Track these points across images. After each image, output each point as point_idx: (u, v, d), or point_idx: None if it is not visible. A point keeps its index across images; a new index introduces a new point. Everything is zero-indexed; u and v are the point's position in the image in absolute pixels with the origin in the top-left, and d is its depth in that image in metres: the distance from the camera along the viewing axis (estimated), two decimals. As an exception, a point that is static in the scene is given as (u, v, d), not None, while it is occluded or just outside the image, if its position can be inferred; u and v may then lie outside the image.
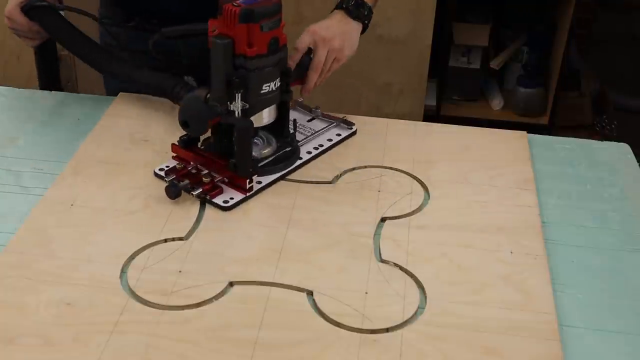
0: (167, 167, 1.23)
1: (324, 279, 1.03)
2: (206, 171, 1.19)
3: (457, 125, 1.42)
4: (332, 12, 1.34)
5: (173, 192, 1.16)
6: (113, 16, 1.59)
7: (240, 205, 1.17)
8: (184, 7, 1.46)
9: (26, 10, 1.35)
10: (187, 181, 1.17)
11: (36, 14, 1.36)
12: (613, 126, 2.97)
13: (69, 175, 1.21)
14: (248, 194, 1.18)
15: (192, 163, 1.21)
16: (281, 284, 1.02)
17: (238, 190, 1.18)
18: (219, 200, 1.16)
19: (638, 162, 1.33)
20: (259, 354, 0.91)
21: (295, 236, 1.11)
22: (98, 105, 1.42)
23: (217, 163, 1.20)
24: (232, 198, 1.17)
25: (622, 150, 1.36)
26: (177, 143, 1.23)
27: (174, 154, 1.24)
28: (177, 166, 1.21)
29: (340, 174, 1.26)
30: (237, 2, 1.12)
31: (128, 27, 1.58)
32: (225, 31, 1.13)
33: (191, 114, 1.16)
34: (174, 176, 1.19)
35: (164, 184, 1.18)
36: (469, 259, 1.07)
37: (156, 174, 1.22)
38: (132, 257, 1.06)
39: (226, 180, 1.19)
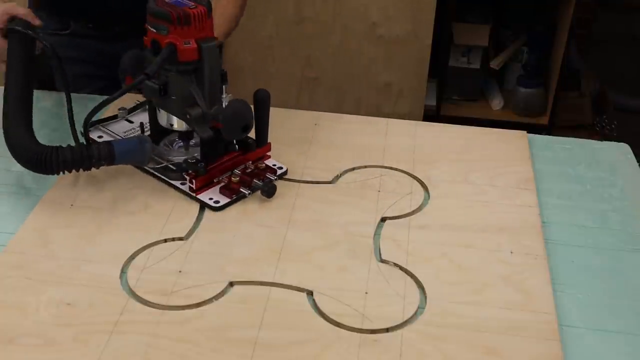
0: (212, 199, 1.16)
1: (324, 279, 1.03)
2: (242, 166, 1.22)
3: (457, 125, 1.42)
4: None
5: (273, 190, 1.18)
6: (45, 24, 1.52)
7: (240, 206, 1.17)
8: (118, 5, 1.45)
9: (5, 33, 1.26)
10: (255, 180, 1.19)
11: (11, 38, 1.25)
12: (613, 126, 2.98)
13: (69, 175, 1.21)
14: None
15: (221, 176, 1.20)
16: (281, 284, 1.02)
17: (266, 159, 1.25)
18: (278, 171, 1.24)
19: (638, 162, 1.33)
20: (259, 354, 0.91)
21: (295, 236, 1.11)
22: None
23: (237, 158, 1.22)
24: (274, 164, 1.25)
25: (622, 150, 1.36)
26: (200, 172, 1.17)
27: (198, 186, 1.18)
28: (233, 179, 1.18)
29: (340, 174, 1.26)
30: (172, 5, 1.10)
31: (63, 35, 1.55)
32: (200, 35, 1.10)
33: (248, 117, 1.15)
34: (240, 187, 1.18)
35: (163, 184, 1.20)
36: (469, 259, 1.07)
37: (216, 207, 1.15)
38: (132, 257, 1.06)
39: (251, 162, 1.23)
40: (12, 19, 1.26)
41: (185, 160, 1.19)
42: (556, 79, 2.75)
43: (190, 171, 1.17)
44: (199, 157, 1.19)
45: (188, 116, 1.13)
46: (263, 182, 1.18)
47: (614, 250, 1.12)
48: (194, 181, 1.17)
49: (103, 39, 1.56)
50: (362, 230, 1.12)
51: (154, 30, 1.11)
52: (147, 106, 1.28)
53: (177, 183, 1.19)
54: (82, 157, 1.12)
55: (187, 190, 1.18)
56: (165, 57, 1.09)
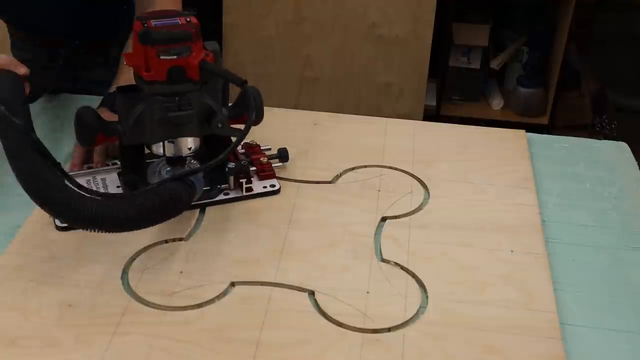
0: (266, 187, 1.20)
1: (325, 278, 1.03)
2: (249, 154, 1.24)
3: (457, 125, 1.43)
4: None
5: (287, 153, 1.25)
6: (34, 57, 1.51)
7: (241, 206, 1.17)
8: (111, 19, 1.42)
9: None
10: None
11: None
12: (613, 126, 2.97)
13: (70, 176, 1.21)
14: None
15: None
16: (283, 284, 1.02)
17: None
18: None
19: (637, 161, 1.33)
20: (261, 354, 0.91)
21: (295, 236, 1.11)
22: (97, 105, 1.42)
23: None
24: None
25: (620, 149, 1.37)
26: (246, 170, 1.19)
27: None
28: (262, 160, 1.22)
29: (340, 174, 1.26)
30: (153, 25, 1.04)
31: (59, 66, 1.50)
32: (201, 42, 1.08)
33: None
34: (271, 165, 1.22)
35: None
36: (469, 258, 1.08)
37: (277, 190, 1.20)
38: (133, 258, 1.06)
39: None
40: None
41: (223, 170, 1.17)
42: (556, 79, 2.75)
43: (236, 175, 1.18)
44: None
45: (220, 125, 1.09)
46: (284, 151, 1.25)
47: (614, 248, 1.12)
48: (252, 180, 1.19)
49: (99, 65, 1.53)
50: (362, 230, 1.13)
51: (173, 57, 1.03)
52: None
53: (220, 197, 1.18)
54: (190, 197, 1.07)
55: (240, 194, 1.18)
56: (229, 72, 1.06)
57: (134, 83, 1.08)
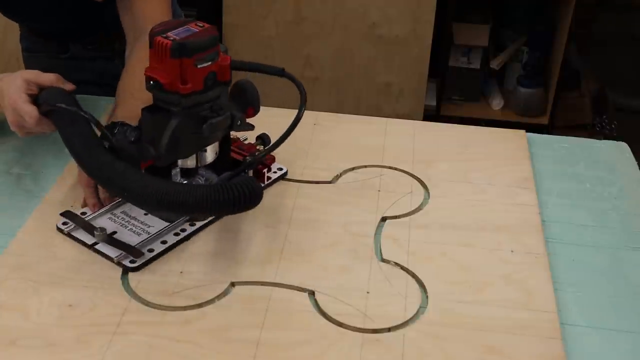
0: (276, 172, 1.22)
1: (326, 279, 1.03)
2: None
3: (457, 125, 1.43)
4: None
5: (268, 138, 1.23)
6: (44, 47, 1.55)
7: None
8: (116, 24, 1.38)
9: (45, 112, 1.10)
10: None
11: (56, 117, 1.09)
12: (613, 126, 2.97)
13: (70, 176, 1.21)
14: None
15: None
16: (283, 284, 1.02)
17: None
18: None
19: (637, 161, 1.33)
20: (262, 354, 0.91)
21: (296, 236, 1.11)
22: (97, 105, 1.42)
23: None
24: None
25: (620, 149, 1.37)
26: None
27: None
28: (259, 148, 1.21)
29: (340, 174, 1.26)
30: (177, 37, 0.99)
31: (63, 58, 1.53)
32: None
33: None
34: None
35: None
36: (469, 258, 1.08)
37: (286, 171, 1.23)
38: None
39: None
40: (42, 88, 1.12)
41: (245, 163, 1.15)
42: (556, 79, 2.75)
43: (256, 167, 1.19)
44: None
45: (239, 123, 1.07)
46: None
47: (614, 248, 1.12)
48: (270, 168, 1.22)
49: (105, 58, 1.54)
50: (362, 230, 1.13)
51: (209, 63, 1.01)
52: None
53: None
54: None
55: (262, 185, 1.18)
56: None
57: (134, 113, 1.06)
